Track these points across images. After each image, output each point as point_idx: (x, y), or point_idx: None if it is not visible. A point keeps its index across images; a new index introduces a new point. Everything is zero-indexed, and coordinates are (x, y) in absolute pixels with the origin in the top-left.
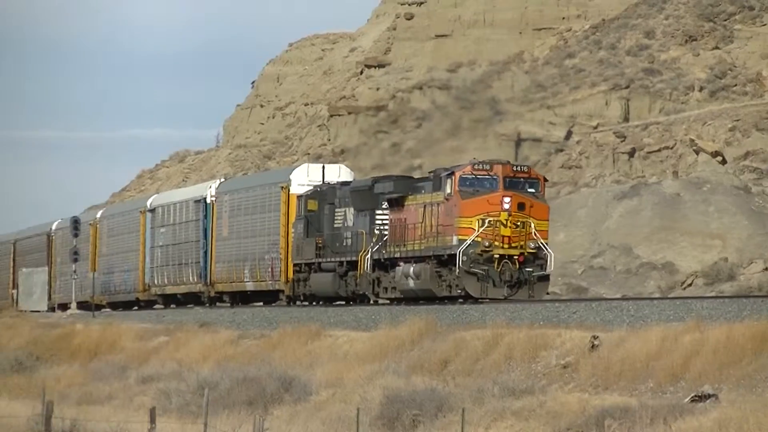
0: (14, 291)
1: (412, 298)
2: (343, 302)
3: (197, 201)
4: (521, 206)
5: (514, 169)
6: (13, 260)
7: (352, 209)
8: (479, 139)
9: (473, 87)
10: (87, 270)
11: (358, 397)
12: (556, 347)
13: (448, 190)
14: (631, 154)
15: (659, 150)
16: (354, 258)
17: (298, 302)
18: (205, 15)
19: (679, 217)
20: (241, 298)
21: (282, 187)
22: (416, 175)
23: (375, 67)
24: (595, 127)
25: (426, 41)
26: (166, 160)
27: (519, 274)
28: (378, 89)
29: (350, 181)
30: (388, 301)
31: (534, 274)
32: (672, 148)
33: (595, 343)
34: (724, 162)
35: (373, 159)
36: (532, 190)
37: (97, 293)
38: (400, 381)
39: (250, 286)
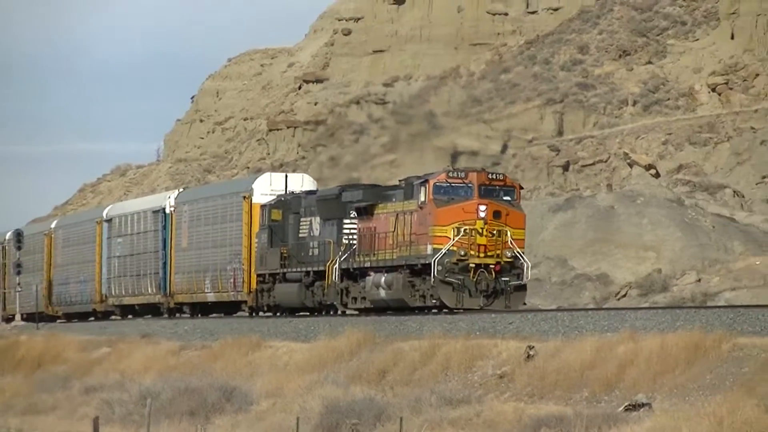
0: None
1: (383, 309)
2: (308, 313)
3: (156, 211)
4: (497, 214)
5: (489, 176)
6: None
7: (318, 218)
8: (416, 153)
9: (410, 101)
10: (41, 281)
11: (298, 406)
12: (493, 357)
13: (422, 198)
14: (566, 167)
15: (593, 163)
16: (321, 268)
17: (261, 313)
18: (145, 29)
19: (614, 230)
20: (202, 309)
21: (244, 197)
22: None
23: (313, 82)
24: (530, 141)
25: (363, 56)
26: (108, 174)
27: (495, 284)
28: (316, 104)
29: (315, 191)
30: (356, 312)
31: (511, 283)
32: (606, 161)
33: (531, 353)
34: (657, 175)
35: (311, 173)
36: (508, 198)
37: (53, 304)
38: (339, 391)
39: (211, 297)
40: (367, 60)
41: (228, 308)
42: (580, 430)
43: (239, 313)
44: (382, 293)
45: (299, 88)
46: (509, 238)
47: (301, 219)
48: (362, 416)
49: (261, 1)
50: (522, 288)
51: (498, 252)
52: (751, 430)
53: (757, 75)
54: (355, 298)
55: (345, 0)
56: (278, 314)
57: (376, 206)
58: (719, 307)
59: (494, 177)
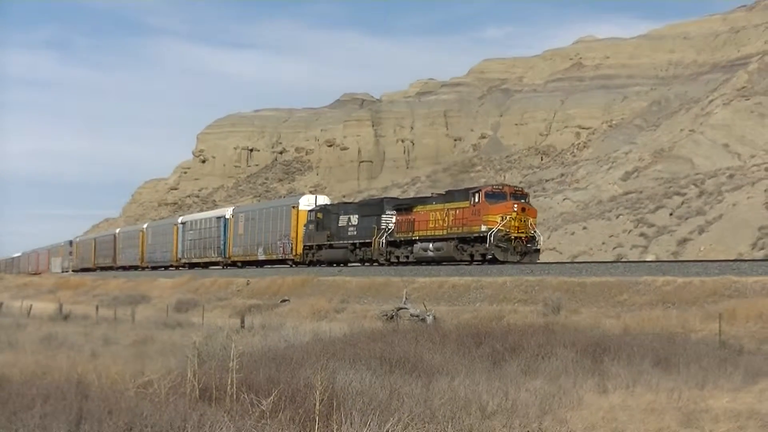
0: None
1: (428, 262)
2: (358, 264)
3: (219, 218)
4: (523, 209)
5: (515, 188)
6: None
7: (356, 215)
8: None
9: (207, 197)
10: (137, 253)
11: (167, 300)
12: (235, 284)
13: (476, 200)
14: None
15: None
16: (360, 241)
17: (307, 265)
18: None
19: None
20: (255, 264)
21: (293, 207)
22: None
23: (174, 189)
24: None
25: (193, 180)
26: (102, 221)
27: (524, 248)
28: (177, 197)
29: (350, 202)
30: (401, 265)
31: (532, 248)
32: None
33: (249, 282)
34: None
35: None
36: (524, 201)
37: (145, 261)
38: (182, 296)
39: (262, 257)
40: (197, 183)
41: (272, 264)
42: (264, 310)
43: (276, 266)
44: (430, 253)
45: (168, 192)
46: (530, 222)
47: (340, 216)
48: (189, 304)
49: (155, 155)
50: (538, 251)
51: (525, 230)
52: (322, 309)
53: (326, 187)
54: (398, 257)
55: (190, 160)
56: (323, 266)
57: (415, 206)
58: (315, 265)
59: (517, 189)
